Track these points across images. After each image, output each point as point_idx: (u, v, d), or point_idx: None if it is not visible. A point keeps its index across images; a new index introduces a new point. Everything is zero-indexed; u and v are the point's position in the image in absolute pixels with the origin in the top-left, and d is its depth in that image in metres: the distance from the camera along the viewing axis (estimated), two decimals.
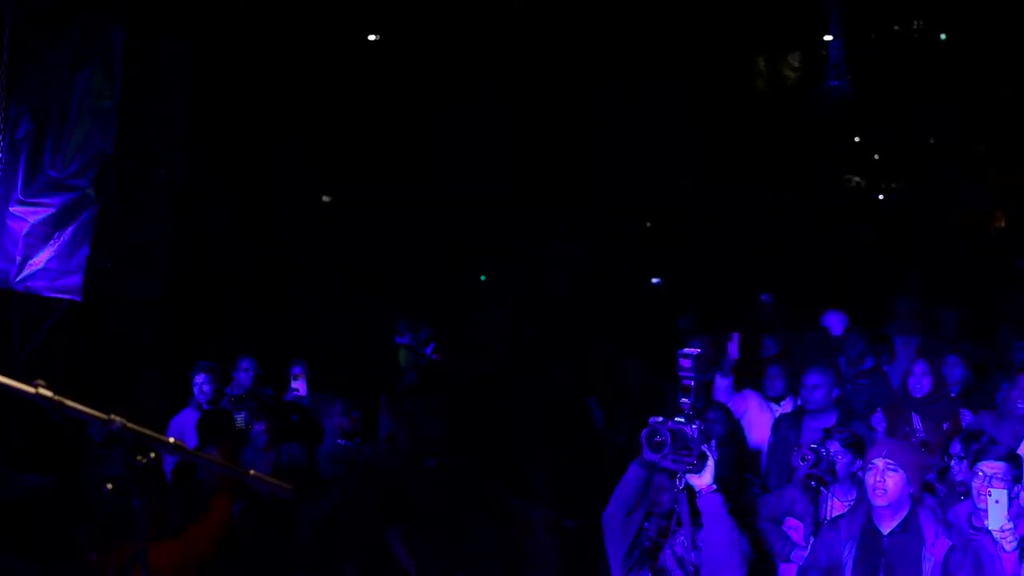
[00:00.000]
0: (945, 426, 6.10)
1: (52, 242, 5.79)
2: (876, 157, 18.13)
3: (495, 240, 12.10)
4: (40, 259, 5.78)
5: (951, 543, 4.21)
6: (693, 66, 13.58)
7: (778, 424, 6.24)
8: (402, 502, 5.27)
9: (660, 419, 3.71)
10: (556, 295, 12.03)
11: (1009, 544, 4.08)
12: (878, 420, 6.35)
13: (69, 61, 5.86)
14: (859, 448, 4.96)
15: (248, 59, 8.90)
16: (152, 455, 2.44)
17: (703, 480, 3.72)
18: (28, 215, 5.77)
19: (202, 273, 8.41)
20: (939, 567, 4.18)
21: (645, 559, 4.06)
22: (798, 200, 14.95)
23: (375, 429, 5.94)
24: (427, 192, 11.39)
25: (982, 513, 4.27)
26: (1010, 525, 4.09)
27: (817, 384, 6.01)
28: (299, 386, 6.34)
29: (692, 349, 3.74)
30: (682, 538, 3.94)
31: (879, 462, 4.35)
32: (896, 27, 16.90)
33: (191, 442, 5.02)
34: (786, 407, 6.62)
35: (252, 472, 2.58)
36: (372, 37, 11.62)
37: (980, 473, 4.51)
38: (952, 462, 5.12)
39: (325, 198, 11.77)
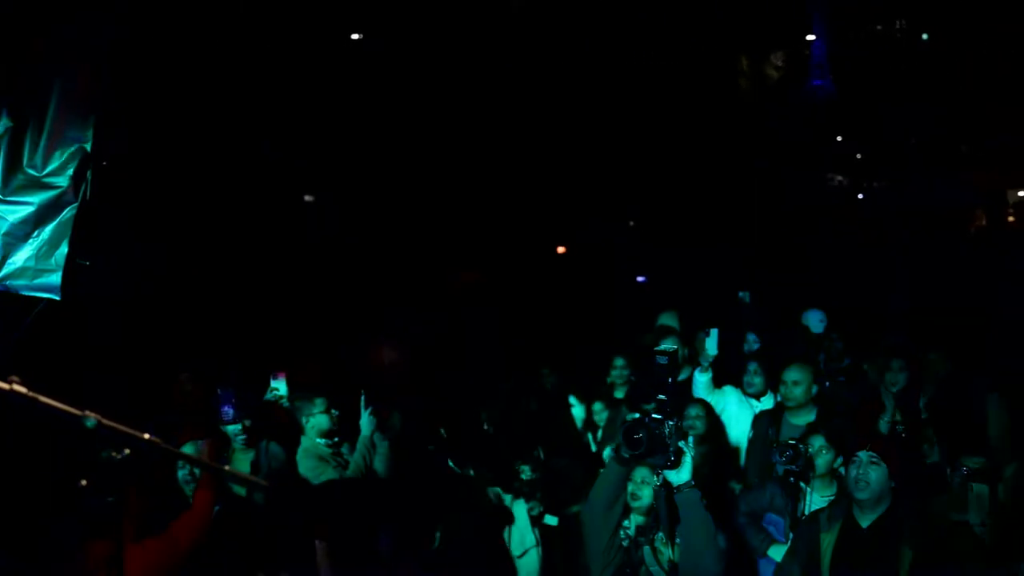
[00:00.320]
0: None
1: (31, 240, 5.76)
2: (858, 156, 18.22)
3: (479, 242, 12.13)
4: (19, 257, 5.75)
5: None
6: (677, 65, 13.61)
7: (757, 420, 6.27)
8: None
9: (637, 416, 3.74)
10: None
11: None
12: None
13: (52, 58, 5.82)
14: (842, 445, 5.00)
15: (247, 59, 8.91)
16: (127, 451, 2.44)
17: (680, 476, 3.75)
18: (7, 213, 5.73)
19: (184, 272, 8.38)
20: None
21: (623, 554, 4.08)
22: (780, 196, 15.00)
23: (355, 428, 5.92)
24: (414, 187, 11.42)
25: None
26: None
27: (797, 381, 6.04)
28: (278, 386, 6.31)
29: (668, 346, 3.78)
30: (660, 533, 3.96)
31: (863, 455, 4.39)
32: (879, 27, 16.99)
33: None
34: (765, 403, 6.65)
35: (227, 468, 2.59)
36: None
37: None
38: None
39: (308, 197, 11.75)
